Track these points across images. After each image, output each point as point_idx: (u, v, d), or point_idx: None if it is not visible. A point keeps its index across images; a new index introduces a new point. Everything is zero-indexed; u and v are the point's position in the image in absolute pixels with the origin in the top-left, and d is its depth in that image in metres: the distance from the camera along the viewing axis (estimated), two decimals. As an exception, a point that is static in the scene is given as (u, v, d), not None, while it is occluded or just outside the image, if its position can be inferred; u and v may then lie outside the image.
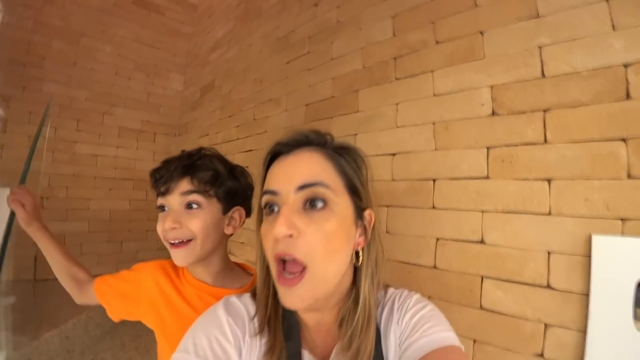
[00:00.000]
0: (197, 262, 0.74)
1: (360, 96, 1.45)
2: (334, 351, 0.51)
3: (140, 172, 3.28)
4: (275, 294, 0.51)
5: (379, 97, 1.36)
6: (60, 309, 2.22)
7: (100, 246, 3.00)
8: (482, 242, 1.01)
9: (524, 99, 0.97)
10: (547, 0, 0.96)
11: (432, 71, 1.20)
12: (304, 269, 0.45)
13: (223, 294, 0.63)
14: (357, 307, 0.49)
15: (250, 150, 2.18)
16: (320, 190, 0.46)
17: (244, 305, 0.55)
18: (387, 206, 1.26)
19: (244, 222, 0.81)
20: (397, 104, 1.29)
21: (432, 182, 1.14)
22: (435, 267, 1.10)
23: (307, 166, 0.49)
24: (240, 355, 0.49)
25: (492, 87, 1.04)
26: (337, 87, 1.58)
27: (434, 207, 1.13)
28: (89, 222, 2.97)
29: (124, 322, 2.49)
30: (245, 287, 0.78)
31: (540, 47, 0.96)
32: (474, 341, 0.99)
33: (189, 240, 0.71)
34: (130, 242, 3.18)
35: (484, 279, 0.99)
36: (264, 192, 0.50)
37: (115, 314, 0.81)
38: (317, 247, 0.45)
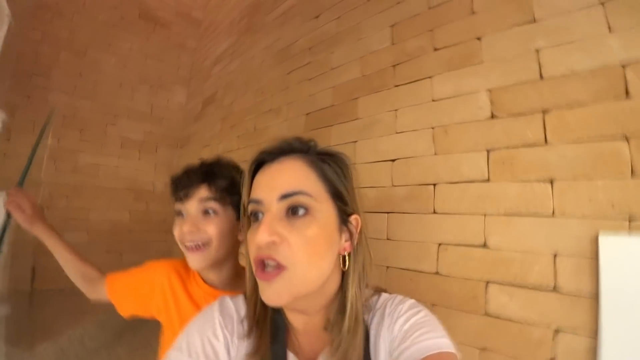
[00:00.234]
0: (210, 267, 0.77)
1: (359, 104, 1.46)
2: (320, 356, 0.50)
3: (142, 183, 3.29)
4: (256, 289, 0.52)
5: (378, 104, 1.37)
6: (56, 321, 2.18)
7: (100, 257, 2.96)
8: (485, 246, 0.99)
9: (523, 100, 0.97)
10: (543, 5, 0.98)
11: (430, 77, 1.21)
12: (282, 268, 0.45)
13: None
14: (345, 312, 0.49)
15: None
16: (301, 199, 0.47)
17: (236, 307, 0.56)
18: (388, 212, 1.25)
19: None
20: (396, 110, 1.29)
21: (432, 186, 1.13)
22: (437, 273, 1.08)
23: (290, 175, 0.49)
24: (229, 355, 0.50)
25: (490, 90, 1.05)
26: (337, 96, 1.59)
27: (434, 212, 1.11)
28: (89, 233, 2.96)
29: (120, 336, 2.44)
30: None
31: (537, 50, 0.96)
32: (480, 349, 0.95)
33: (205, 245, 0.74)
34: (130, 254, 3.15)
35: (488, 284, 0.97)
36: (249, 201, 0.51)
37: (125, 310, 0.84)
38: (299, 251, 0.45)
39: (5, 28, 1.31)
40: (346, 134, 1.49)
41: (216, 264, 0.78)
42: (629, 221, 0.76)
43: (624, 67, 0.82)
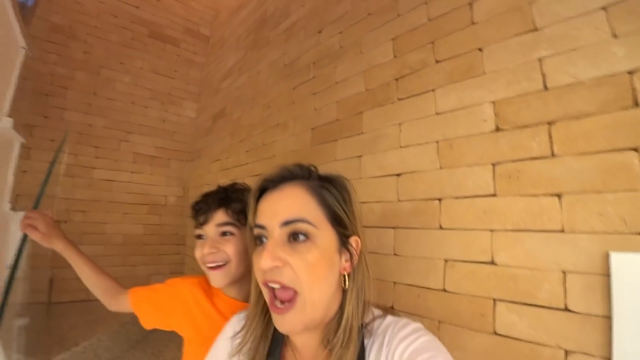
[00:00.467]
0: (231, 284, 0.84)
1: (364, 118, 1.45)
2: None
3: (154, 197, 3.35)
4: (264, 312, 0.57)
5: (382, 118, 1.37)
6: (72, 332, 2.23)
7: (115, 269, 3.02)
8: (492, 262, 0.96)
9: (527, 112, 0.95)
10: (544, 14, 0.96)
11: (433, 90, 1.20)
12: (295, 293, 0.49)
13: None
14: (339, 327, 0.51)
15: (259, 175, 2.19)
16: (301, 226, 0.50)
17: (232, 325, 0.62)
18: (394, 227, 1.23)
19: None
20: (400, 124, 1.29)
21: (437, 201, 1.12)
22: (444, 289, 1.06)
23: (290, 202, 0.52)
24: None
25: (494, 102, 1.03)
26: (341, 110, 1.59)
27: (441, 228, 1.10)
28: (104, 246, 3.03)
29: (133, 347, 2.48)
30: None
31: (540, 60, 0.95)
32: (490, 369, 0.93)
33: (225, 264, 0.81)
34: (143, 266, 3.21)
35: (496, 302, 0.94)
36: (254, 226, 0.55)
37: (149, 323, 0.90)
38: (302, 275, 0.49)
39: (21, 58, 1.37)
40: (351, 149, 1.48)
41: (236, 281, 0.84)
42: (642, 238, 0.73)
43: (630, 74, 0.79)
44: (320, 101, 1.74)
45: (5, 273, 1.19)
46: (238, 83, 2.83)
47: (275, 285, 0.50)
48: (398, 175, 1.25)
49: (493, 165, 1.00)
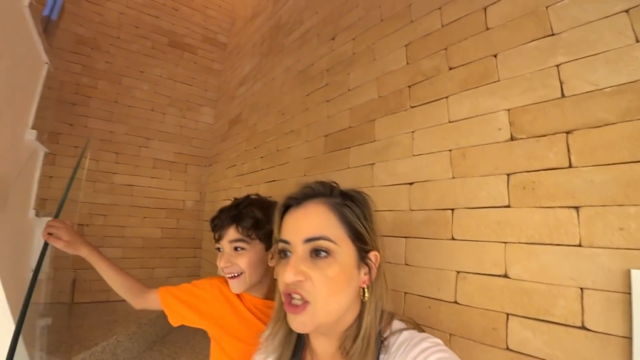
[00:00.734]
0: (249, 289, 0.93)
1: (376, 125, 1.44)
2: None
3: (173, 201, 3.43)
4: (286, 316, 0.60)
5: (394, 126, 1.35)
6: (92, 332, 2.30)
7: (133, 272, 3.06)
8: (505, 276, 0.93)
9: (544, 121, 0.92)
10: (562, 17, 0.92)
11: (446, 97, 1.17)
12: (306, 303, 0.52)
13: (272, 305, 0.81)
14: (358, 336, 0.54)
15: (274, 181, 2.21)
16: (323, 243, 0.54)
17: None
18: (405, 237, 1.21)
19: None
20: (412, 132, 1.27)
21: (450, 211, 1.09)
22: (456, 302, 1.03)
23: (313, 220, 0.56)
24: None
25: (509, 110, 1.00)
26: (354, 117, 1.59)
27: (453, 239, 1.07)
28: (124, 249, 3.12)
29: (150, 348, 2.52)
30: None
31: (557, 66, 0.91)
32: (502, 386, 0.90)
33: (240, 274, 0.90)
34: (161, 269, 3.29)
35: (509, 317, 0.91)
36: (279, 240, 0.59)
37: (177, 320, 0.96)
38: (321, 288, 0.52)
39: (43, 73, 1.43)
40: (364, 156, 1.47)
41: (253, 286, 0.93)
42: (665, 255, 0.70)
43: (654, 81, 0.75)
44: (334, 108, 1.74)
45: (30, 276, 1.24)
46: (253, 90, 2.87)
47: (296, 296, 0.53)
48: (410, 184, 1.24)
49: (507, 175, 0.97)
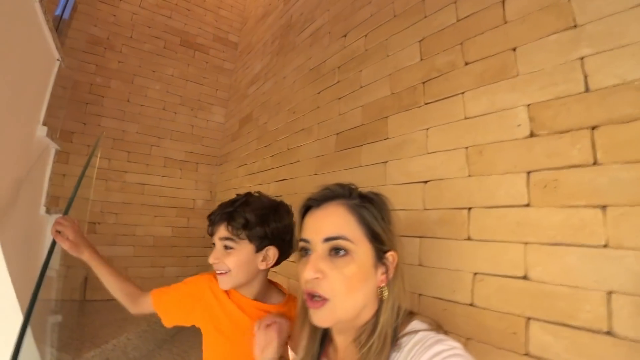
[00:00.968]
0: (236, 287, 0.94)
1: (389, 123, 1.41)
2: None
3: (183, 200, 3.44)
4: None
5: (408, 123, 1.32)
6: (103, 330, 2.31)
7: (144, 270, 3.14)
8: (525, 278, 0.89)
9: (567, 117, 0.88)
10: (585, 9, 0.88)
11: (462, 93, 1.14)
12: (325, 300, 0.55)
13: (260, 306, 0.93)
14: (374, 333, 0.55)
15: (284, 180, 2.20)
16: (341, 243, 0.56)
17: None
18: (420, 237, 1.18)
19: (278, 259, 0.95)
20: (427, 129, 1.23)
21: (466, 211, 1.06)
22: (472, 304, 0.99)
23: (332, 220, 0.59)
24: None
25: (528, 106, 0.96)
26: (366, 115, 1.56)
27: (469, 239, 1.03)
28: (135, 247, 3.13)
29: (160, 347, 2.53)
30: (280, 305, 0.97)
31: (581, 59, 0.87)
32: (521, 393, 0.86)
33: (227, 273, 0.90)
34: (171, 267, 3.29)
35: (529, 321, 0.87)
36: (300, 239, 0.62)
37: (169, 321, 0.97)
38: (338, 286, 0.55)
39: (55, 70, 1.44)
40: (376, 154, 1.44)
41: (241, 285, 0.93)
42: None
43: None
44: (345, 106, 1.72)
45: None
46: (264, 88, 2.86)
47: (316, 297, 0.56)
48: (425, 182, 1.20)
49: (527, 173, 0.93)
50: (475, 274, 1.00)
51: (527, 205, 0.92)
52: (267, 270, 0.97)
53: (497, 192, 0.99)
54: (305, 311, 0.63)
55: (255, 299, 0.96)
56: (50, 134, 1.43)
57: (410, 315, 0.59)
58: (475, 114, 1.09)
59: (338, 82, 1.82)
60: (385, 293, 0.58)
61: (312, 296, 0.57)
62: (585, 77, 0.86)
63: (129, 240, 3.12)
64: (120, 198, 3.13)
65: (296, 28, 2.50)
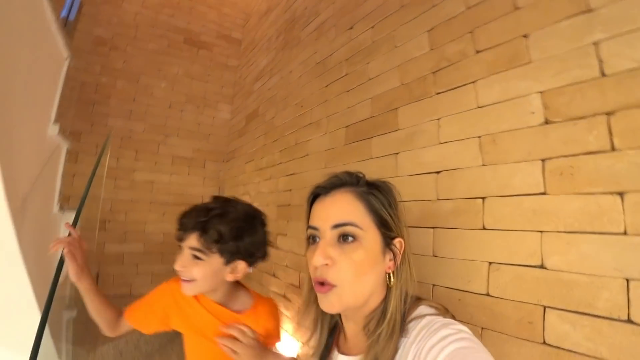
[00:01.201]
0: (200, 294, 0.94)
1: (399, 114, 1.40)
2: (359, 356, 0.58)
3: (192, 197, 3.46)
4: (317, 300, 0.62)
5: (419, 114, 1.31)
6: (116, 325, 2.34)
7: (154, 267, 3.17)
8: (542, 266, 0.89)
9: (582, 103, 0.86)
10: (599, -7, 0.87)
11: (474, 82, 1.12)
12: (333, 286, 0.56)
13: (223, 311, 0.94)
14: (384, 320, 0.55)
15: (293, 174, 2.20)
16: (350, 229, 0.57)
17: None
18: (433, 227, 1.17)
19: (247, 271, 0.94)
20: (438, 119, 1.22)
21: (481, 200, 1.05)
22: (488, 294, 0.99)
23: (340, 207, 0.59)
24: None
25: (542, 93, 0.95)
26: (375, 107, 1.55)
27: (484, 228, 1.03)
28: (145, 244, 3.17)
29: (172, 342, 2.57)
30: (247, 312, 0.97)
31: (596, 44, 0.85)
32: (538, 382, 0.85)
33: (192, 280, 0.88)
34: (181, 265, 3.32)
35: (546, 310, 0.86)
36: (308, 227, 0.62)
37: (149, 329, 0.99)
38: (347, 273, 0.55)
39: (64, 68, 1.45)
40: (387, 146, 1.44)
41: (205, 293, 0.93)
42: None
43: None
44: (354, 98, 1.71)
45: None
46: (270, 84, 2.86)
47: (325, 282, 0.57)
48: (437, 172, 1.19)
49: (542, 161, 0.92)
50: (491, 263, 0.99)
51: (543, 193, 0.91)
52: (232, 282, 0.96)
53: (511, 181, 0.98)
54: (311, 297, 0.65)
55: (220, 304, 0.95)
56: (62, 133, 1.44)
57: (418, 300, 0.60)
58: (487, 102, 1.08)
59: (346, 74, 1.81)
60: (393, 279, 0.59)
61: (322, 283, 0.57)
62: (600, 61, 0.85)
63: (139, 237, 3.16)
64: (129, 196, 3.17)
65: (301, 22, 2.49)
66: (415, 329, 0.53)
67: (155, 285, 1.03)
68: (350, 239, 0.57)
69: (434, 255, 1.15)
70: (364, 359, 0.55)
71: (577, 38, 0.89)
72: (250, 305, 0.99)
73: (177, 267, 0.88)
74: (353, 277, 0.55)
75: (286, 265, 2.07)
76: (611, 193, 0.79)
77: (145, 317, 0.98)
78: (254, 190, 2.80)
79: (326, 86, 1.98)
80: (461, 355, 0.44)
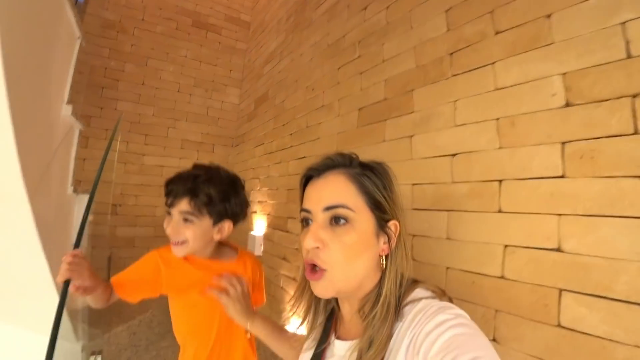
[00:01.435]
0: (191, 253, 1.00)
1: (415, 96, 1.38)
2: (355, 340, 0.57)
3: (200, 181, 3.48)
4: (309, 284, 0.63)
5: (435, 96, 1.29)
6: (129, 306, 2.38)
7: (166, 252, 3.21)
8: (558, 250, 0.88)
9: (606, 85, 0.85)
10: (630, -30, 0.83)
11: (492, 63, 1.10)
12: (324, 271, 0.55)
13: (213, 263, 1.03)
14: (378, 302, 0.55)
15: (304, 157, 2.20)
16: (341, 211, 0.56)
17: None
18: (448, 210, 1.17)
19: (231, 230, 1.03)
20: (455, 101, 1.21)
21: (497, 183, 1.04)
22: (502, 277, 0.99)
23: (332, 189, 0.58)
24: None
25: (564, 74, 0.93)
26: (390, 89, 1.53)
27: (500, 211, 1.02)
28: (155, 228, 3.21)
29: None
30: (234, 261, 1.08)
31: (623, 24, 0.83)
32: (551, 363, 0.86)
33: (183, 243, 0.95)
34: (190, 248, 3.37)
35: (562, 293, 0.87)
36: (301, 210, 0.61)
37: (135, 298, 1.00)
38: (338, 256, 0.55)
39: (77, 48, 1.44)
40: (401, 129, 1.42)
41: (195, 252, 1.00)
42: None
43: None
44: (367, 81, 1.69)
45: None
46: (280, 67, 2.83)
47: (315, 267, 0.56)
48: (453, 155, 1.19)
49: (562, 144, 0.91)
50: (506, 246, 1.00)
51: (562, 176, 0.90)
52: (218, 241, 1.04)
53: (529, 164, 0.97)
54: (306, 282, 0.64)
55: (210, 258, 1.04)
56: (75, 113, 1.44)
57: (414, 283, 0.58)
58: (506, 84, 1.06)
59: (359, 56, 1.78)
60: (387, 262, 0.58)
61: (312, 267, 0.56)
62: (627, 42, 0.82)
63: (149, 221, 3.20)
64: (139, 180, 3.19)
65: (312, 3, 2.44)
66: (411, 313, 0.52)
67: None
68: (342, 221, 0.56)
69: (448, 238, 1.16)
70: (359, 342, 0.54)
71: (603, 18, 0.87)
72: (237, 256, 1.11)
73: (169, 231, 0.95)
74: (344, 260, 0.55)
75: (296, 249, 2.09)
76: (632, 177, 0.78)
77: (136, 288, 1.00)
78: (263, 174, 2.81)
79: (338, 68, 1.95)
80: (459, 341, 0.43)
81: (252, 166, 3.09)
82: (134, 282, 1.01)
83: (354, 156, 0.62)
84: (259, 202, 2.82)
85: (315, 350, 0.64)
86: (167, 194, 0.96)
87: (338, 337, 0.63)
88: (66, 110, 1.42)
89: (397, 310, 0.54)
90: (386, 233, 0.58)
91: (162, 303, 1.12)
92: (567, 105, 0.91)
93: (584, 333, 0.81)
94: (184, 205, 0.93)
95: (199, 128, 3.54)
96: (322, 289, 0.56)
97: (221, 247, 1.10)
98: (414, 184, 1.32)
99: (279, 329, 0.93)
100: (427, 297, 0.54)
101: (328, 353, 0.63)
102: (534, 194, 0.95)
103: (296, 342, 0.84)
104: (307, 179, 0.63)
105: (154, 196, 3.24)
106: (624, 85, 0.82)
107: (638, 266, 0.75)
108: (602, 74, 0.86)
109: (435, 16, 1.34)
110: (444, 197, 1.18)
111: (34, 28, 1.03)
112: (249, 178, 3.05)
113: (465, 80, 1.18)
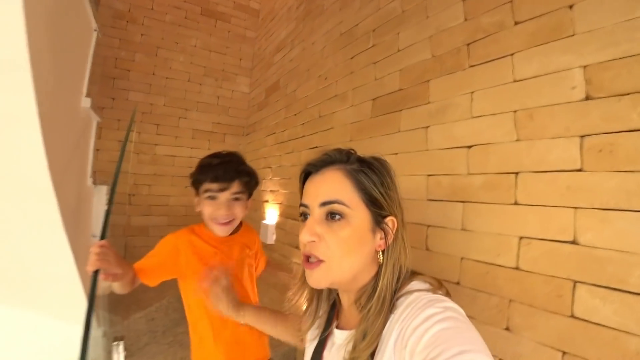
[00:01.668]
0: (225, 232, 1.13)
1: (431, 87, 1.38)
2: (352, 330, 0.59)
3: (212, 170, 3.52)
4: None
5: (451, 87, 1.29)
6: (146, 294, 2.47)
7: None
8: (574, 242, 0.90)
9: (628, 78, 0.84)
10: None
11: (511, 55, 1.09)
12: (320, 261, 0.58)
13: (226, 239, 1.14)
14: (373, 295, 0.56)
15: (316, 147, 2.21)
16: (337, 207, 0.58)
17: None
18: (463, 202, 1.19)
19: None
20: (472, 92, 1.20)
21: (514, 175, 1.05)
22: (517, 268, 1.01)
23: (329, 185, 0.60)
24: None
25: (585, 67, 0.92)
26: (405, 79, 1.53)
27: (516, 203, 1.03)
28: (168, 217, 3.27)
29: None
30: (240, 231, 1.22)
31: (648, 16, 0.82)
32: (563, 353, 0.88)
33: (232, 221, 1.11)
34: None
35: (576, 284, 0.88)
36: (300, 204, 0.63)
37: (155, 281, 1.09)
38: (334, 248, 0.57)
39: (93, 40, 1.45)
40: (416, 119, 1.43)
41: (231, 229, 1.14)
42: None
43: None
44: (382, 70, 1.68)
45: (92, 243, 1.30)
46: (291, 55, 2.81)
47: (312, 258, 0.59)
48: (469, 147, 1.19)
49: (581, 137, 0.91)
50: (522, 238, 1.01)
51: (580, 170, 0.90)
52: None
53: (547, 157, 0.97)
54: (304, 275, 0.65)
55: (230, 235, 1.16)
56: (93, 105, 1.46)
57: (412, 275, 0.60)
58: (525, 76, 1.05)
59: (373, 45, 1.77)
60: (383, 257, 0.60)
61: (308, 257, 0.59)
62: (652, 35, 0.81)
63: (162, 210, 3.25)
64: (152, 170, 3.24)
65: (324, -9, 2.41)
66: (402, 305, 0.53)
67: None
68: (337, 217, 0.57)
69: (463, 229, 1.17)
70: (355, 333, 0.56)
71: (628, 10, 0.85)
72: (241, 226, 1.23)
73: (223, 211, 1.06)
74: (340, 253, 0.57)
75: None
76: (652, 171, 0.78)
77: (156, 272, 1.09)
78: (275, 164, 2.83)
79: (352, 58, 1.94)
80: (445, 336, 0.43)
81: (263, 155, 3.11)
82: (154, 267, 1.10)
83: (352, 152, 0.64)
84: (270, 191, 2.85)
85: (319, 338, 0.68)
86: (215, 179, 1.05)
87: (338, 327, 0.66)
88: (85, 102, 1.45)
89: (391, 303, 0.56)
90: (383, 229, 0.60)
91: (177, 291, 1.19)
92: (587, 98, 0.91)
93: (597, 324, 0.83)
94: (236, 186, 1.06)
95: (209, 118, 3.55)
96: (316, 279, 0.59)
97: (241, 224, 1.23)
98: (429, 175, 1.33)
99: (273, 315, 0.94)
100: (420, 290, 0.54)
101: (329, 341, 0.66)
102: (551, 187, 0.96)
103: (291, 321, 0.89)
104: (306, 174, 0.65)
105: (166, 186, 3.28)
106: (647, 79, 0.81)
107: (653, 260, 0.76)
108: (625, 68, 0.85)
109: (452, 5, 1.33)
110: (460, 189, 1.19)
111: (58, 21, 1.04)
112: (261, 167, 3.07)
113: (482, 71, 1.18)
